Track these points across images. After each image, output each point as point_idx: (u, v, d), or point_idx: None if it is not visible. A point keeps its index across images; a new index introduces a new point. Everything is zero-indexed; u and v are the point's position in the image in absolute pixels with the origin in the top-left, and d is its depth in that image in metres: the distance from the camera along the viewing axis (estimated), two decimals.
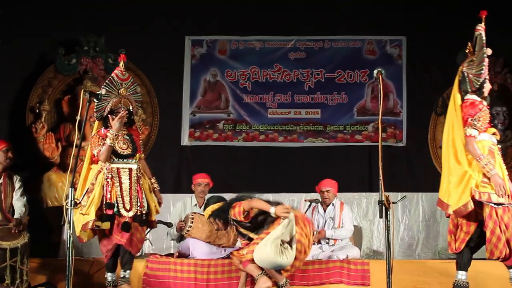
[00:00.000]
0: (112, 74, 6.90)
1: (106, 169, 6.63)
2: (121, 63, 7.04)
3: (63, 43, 10.97)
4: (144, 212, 6.73)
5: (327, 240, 8.48)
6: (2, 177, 7.48)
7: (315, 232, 8.31)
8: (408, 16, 11.14)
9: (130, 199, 6.60)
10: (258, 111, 11.24)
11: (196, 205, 8.56)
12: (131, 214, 6.60)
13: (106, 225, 6.59)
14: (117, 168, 6.65)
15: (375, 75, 4.88)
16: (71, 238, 4.26)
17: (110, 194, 6.56)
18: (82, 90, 5.48)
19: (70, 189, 4.38)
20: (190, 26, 11.32)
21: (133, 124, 7.20)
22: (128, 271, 6.83)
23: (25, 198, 7.59)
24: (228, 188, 8.77)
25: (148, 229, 7.21)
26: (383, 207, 4.29)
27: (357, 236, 9.00)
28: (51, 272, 7.80)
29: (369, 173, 10.71)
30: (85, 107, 4.72)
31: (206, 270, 7.68)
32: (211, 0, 11.17)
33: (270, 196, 7.78)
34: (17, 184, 7.57)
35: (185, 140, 11.11)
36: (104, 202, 6.56)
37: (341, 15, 11.23)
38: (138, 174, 6.73)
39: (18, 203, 7.48)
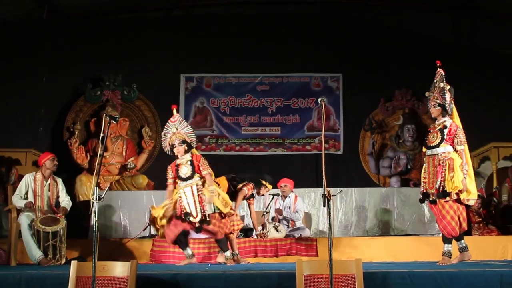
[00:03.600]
0: (168, 121, 6.97)
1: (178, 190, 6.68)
2: (174, 111, 7.07)
3: (91, 80, 11.05)
4: (206, 214, 6.56)
5: (286, 223, 8.47)
6: (50, 179, 7.47)
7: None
8: (344, 59, 11.22)
9: (195, 209, 6.57)
10: (234, 128, 11.25)
11: None
12: (197, 219, 6.54)
13: (162, 222, 6.64)
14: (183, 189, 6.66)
15: (319, 102, 4.87)
16: (96, 224, 4.18)
17: (180, 206, 6.58)
18: (104, 114, 5.42)
19: (95, 187, 4.29)
20: (184, 66, 11.34)
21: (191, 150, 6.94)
22: (228, 252, 6.75)
23: (68, 196, 7.64)
24: None
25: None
26: (326, 199, 4.28)
27: (308, 220, 9.01)
28: (82, 249, 7.73)
29: (316, 173, 10.76)
30: (106, 126, 4.66)
31: (197, 246, 7.63)
32: (201, 47, 11.17)
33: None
34: (61, 186, 7.57)
35: None
36: (182, 212, 6.55)
37: (295, 59, 11.31)
38: (198, 188, 6.62)
39: (66, 199, 7.54)
